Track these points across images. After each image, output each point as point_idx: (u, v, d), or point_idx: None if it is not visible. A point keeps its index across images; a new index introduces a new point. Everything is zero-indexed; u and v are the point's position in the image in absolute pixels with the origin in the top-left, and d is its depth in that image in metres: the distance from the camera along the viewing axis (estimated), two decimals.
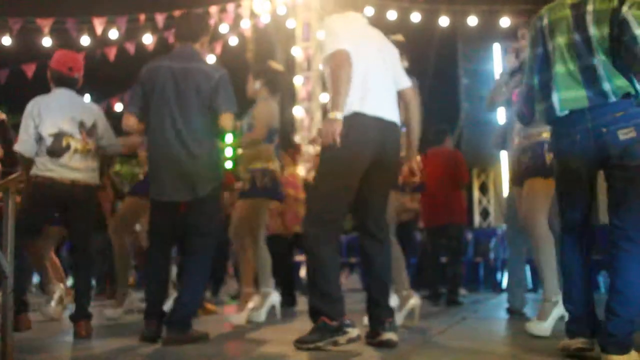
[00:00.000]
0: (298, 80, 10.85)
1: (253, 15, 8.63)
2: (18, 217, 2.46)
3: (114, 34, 8.35)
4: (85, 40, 8.28)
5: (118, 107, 9.61)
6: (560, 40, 2.35)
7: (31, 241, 3.71)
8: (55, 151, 3.24)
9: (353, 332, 2.45)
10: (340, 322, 2.45)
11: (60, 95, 3.39)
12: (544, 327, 2.95)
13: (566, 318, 2.41)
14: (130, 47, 8.51)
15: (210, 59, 9.05)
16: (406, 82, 2.87)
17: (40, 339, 3.18)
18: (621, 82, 2.22)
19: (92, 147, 3.36)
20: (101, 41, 8.40)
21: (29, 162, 3.26)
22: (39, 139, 3.26)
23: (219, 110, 2.97)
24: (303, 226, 2.67)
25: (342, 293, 2.58)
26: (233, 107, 3.02)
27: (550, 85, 2.34)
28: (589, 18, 2.30)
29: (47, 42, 8.08)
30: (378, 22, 3.44)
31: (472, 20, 8.77)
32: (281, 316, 4.10)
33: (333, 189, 2.58)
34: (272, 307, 3.99)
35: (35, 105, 3.31)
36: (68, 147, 3.26)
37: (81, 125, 3.34)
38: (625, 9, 2.21)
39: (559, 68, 2.33)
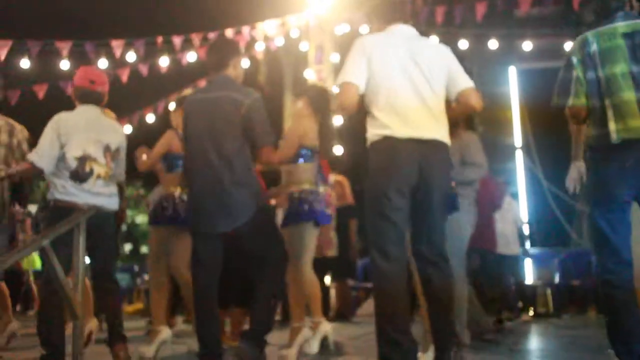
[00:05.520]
0: None
1: (266, 38, 8.67)
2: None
3: (131, 57, 8.42)
4: (102, 63, 8.35)
5: (127, 129, 9.64)
6: (616, 69, 2.34)
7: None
8: (79, 176, 3.08)
9: None
10: None
11: (86, 114, 3.22)
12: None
13: None
14: (143, 69, 8.58)
15: None
16: (463, 83, 2.66)
17: None
18: None
19: (114, 172, 3.25)
20: (119, 63, 8.47)
21: (34, 177, 3.11)
22: (61, 159, 3.08)
23: (257, 145, 2.95)
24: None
25: (414, 339, 2.43)
26: (270, 138, 2.99)
27: (607, 113, 2.34)
28: None
29: (65, 64, 8.15)
30: None
31: (493, 44, 8.76)
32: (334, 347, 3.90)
33: (377, 218, 2.48)
34: (325, 338, 3.78)
35: (61, 122, 3.12)
36: (91, 172, 3.11)
37: (107, 148, 3.20)
38: None
39: (615, 98, 2.33)
